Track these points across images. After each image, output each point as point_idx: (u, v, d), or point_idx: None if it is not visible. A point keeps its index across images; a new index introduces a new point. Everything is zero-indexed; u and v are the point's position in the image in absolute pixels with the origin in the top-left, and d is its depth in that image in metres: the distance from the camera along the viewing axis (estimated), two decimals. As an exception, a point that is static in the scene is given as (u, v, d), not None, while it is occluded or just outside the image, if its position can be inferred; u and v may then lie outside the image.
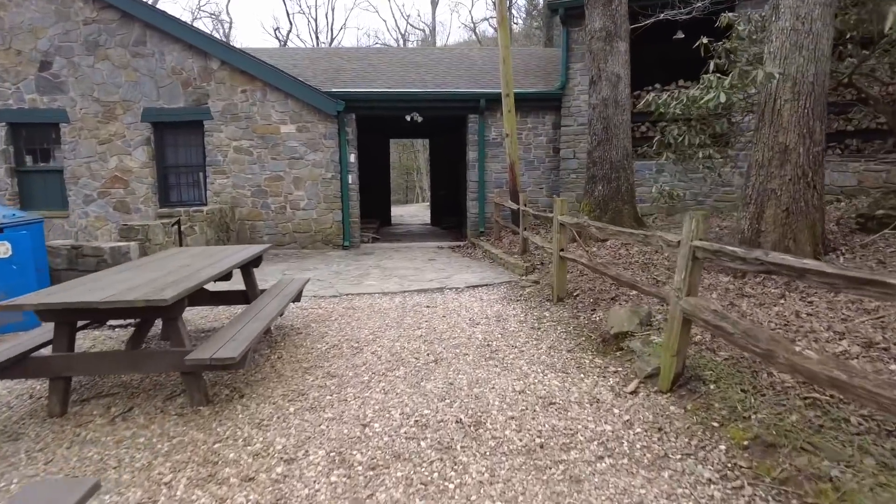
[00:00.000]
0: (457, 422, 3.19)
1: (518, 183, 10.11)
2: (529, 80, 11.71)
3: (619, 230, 4.31)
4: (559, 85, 10.92)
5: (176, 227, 8.01)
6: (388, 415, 3.31)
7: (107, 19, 10.07)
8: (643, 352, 3.97)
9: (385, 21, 77.71)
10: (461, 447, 2.90)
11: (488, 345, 4.63)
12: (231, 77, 10.42)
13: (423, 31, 42.48)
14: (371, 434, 3.07)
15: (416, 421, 3.21)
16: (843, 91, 7.90)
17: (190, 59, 10.33)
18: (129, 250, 6.64)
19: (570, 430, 3.06)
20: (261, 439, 3.04)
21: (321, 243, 10.94)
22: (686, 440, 2.85)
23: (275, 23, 69.40)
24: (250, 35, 54.70)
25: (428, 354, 4.42)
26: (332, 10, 61.04)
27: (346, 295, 6.71)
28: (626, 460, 2.72)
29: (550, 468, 2.69)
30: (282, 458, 2.84)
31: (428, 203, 26.13)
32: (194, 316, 5.91)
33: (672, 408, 3.22)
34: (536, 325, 5.18)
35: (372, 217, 14.54)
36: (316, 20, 51.07)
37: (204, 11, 45.18)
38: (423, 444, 2.94)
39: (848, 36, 6.13)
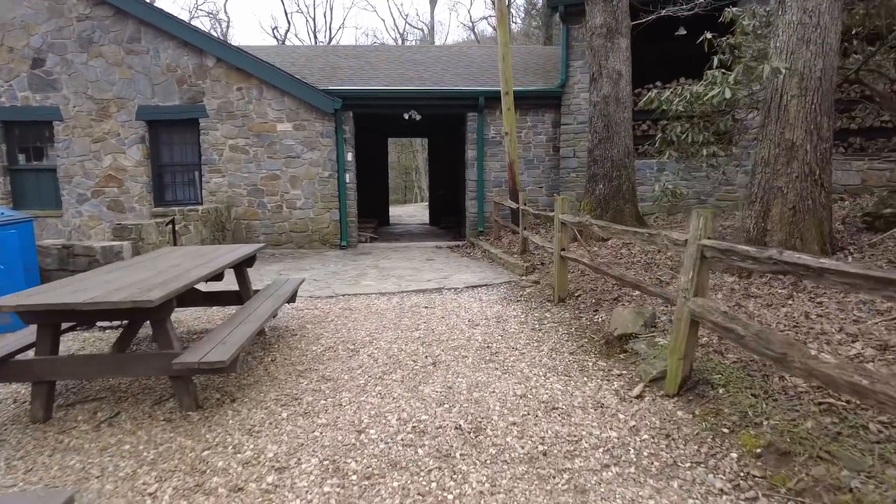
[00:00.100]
0: (456, 428, 3.06)
1: (517, 182, 9.99)
2: (529, 78, 11.59)
3: (623, 229, 4.19)
4: (559, 83, 10.80)
5: (170, 226, 7.87)
6: (384, 420, 3.18)
7: (100, 16, 9.93)
8: (648, 354, 3.85)
9: (383, 20, 77.45)
10: (460, 455, 2.77)
11: (488, 347, 4.51)
12: (227, 74, 10.29)
13: (422, 30, 42.36)
14: (367, 441, 2.94)
15: (414, 427, 3.09)
16: (847, 88, 7.80)
17: (185, 57, 10.20)
18: (121, 250, 6.51)
19: (574, 436, 2.94)
20: (251, 446, 2.92)
21: (318, 243, 10.81)
22: (695, 447, 2.73)
23: (273, 22, 69.27)
24: (248, 34, 54.50)
25: (426, 357, 4.29)
26: (331, 9, 60.77)
27: (343, 295, 6.58)
28: (633, 469, 2.60)
29: (554, 477, 2.56)
30: (273, 466, 2.71)
31: (426, 203, 26.01)
32: (187, 317, 5.78)
33: (679, 413, 3.10)
34: (537, 326, 5.06)
35: (370, 217, 14.41)
36: (314, 19, 50.95)
37: (202, 10, 45.04)
38: (420, 451, 2.82)
39: (853, 32, 6.02)
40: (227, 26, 40.33)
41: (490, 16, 38.90)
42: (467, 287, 6.91)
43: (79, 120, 10.20)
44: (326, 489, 2.51)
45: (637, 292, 5.16)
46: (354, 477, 2.59)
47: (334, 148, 10.60)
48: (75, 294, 3.02)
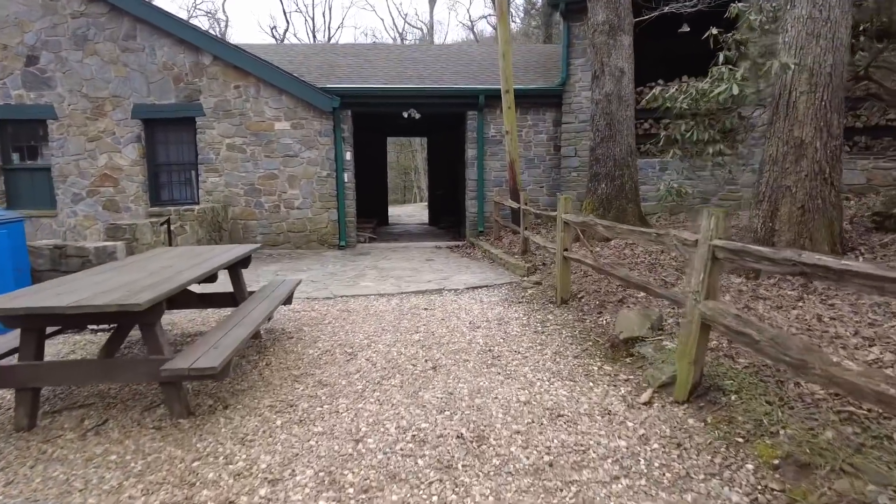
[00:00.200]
0: (458, 437, 2.93)
1: (518, 181, 9.86)
2: (529, 77, 11.47)
3: (629, 229, 4.06)
4: (560, 81, 10.68)
5: (165, 226, 7.74)
6: (382, 429, 3.05)
7: (95, 13, 9.79)
8: (656, 358, 3.72)
9: (382, 20, 77.31)
10: (463, 466, 2.64)
11: (490, 350, 4.38)
12: (224, 72, 10.15)
13: (421, 29, 42.22)
14: (364, 451, 2.81)
15: (414, 436, 2.96)
16: (852, 87, 7.68)
17: (181, 54, 10.06)
18: (115, 250, 6.37)
19: (581, 445, 2.81)
20: (244, 457, 2.79)
21: (316, 243, 10.68)
22: (708, 458, 2.61)
23: (272, 21, 69.03)
24: (247, 34, 54.32)
25: (426, 361, 4.16)
26: (330, 8, 60.70)
27: (341, 297, 6.45)
28: (643, 481, 2.48)
29: (561, 490, 2.44)
30: (266, 478, 2.58)
31: (426, 203, 25.87)
32: (181, 319, 5.65)
33: (690, 420, 2.98)
34: (540, 328, 4.93)
35: (369, 216, 14.28)
36: (313, 19, 50.77)
37: (200, 10, 44.80)
38: (420, 462, 2.69)
39: (861, 28, 5.90)
40: (226, 26, 40.21)
41: (489, 15, 38.79)
42: (468, 288, 6.78)
43: (73, 118, 10.06)
44: (321, 503, 2.38)
45: (642, 294, 5.04)
46: (351, 490, 2.47)
47: (333, 147, 10.47)
48: (59, 297, 2.88)
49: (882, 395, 1.99)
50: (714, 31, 5.51)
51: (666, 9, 7.70)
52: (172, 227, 8.10)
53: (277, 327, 5.20)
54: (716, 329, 3.04)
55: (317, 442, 2.92)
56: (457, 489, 2.45)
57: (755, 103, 5.97)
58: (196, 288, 5.11)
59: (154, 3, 10.10)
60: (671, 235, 3.50)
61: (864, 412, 2.56)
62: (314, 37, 38.30)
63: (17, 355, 3.24)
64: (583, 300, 5.51)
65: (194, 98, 10.18)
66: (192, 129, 10.36)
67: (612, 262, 6.31)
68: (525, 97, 10.57)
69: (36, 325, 2.98)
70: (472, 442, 2.88)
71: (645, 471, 2.55)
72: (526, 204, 8.31)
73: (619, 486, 2.45)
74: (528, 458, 2.71)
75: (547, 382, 3.67)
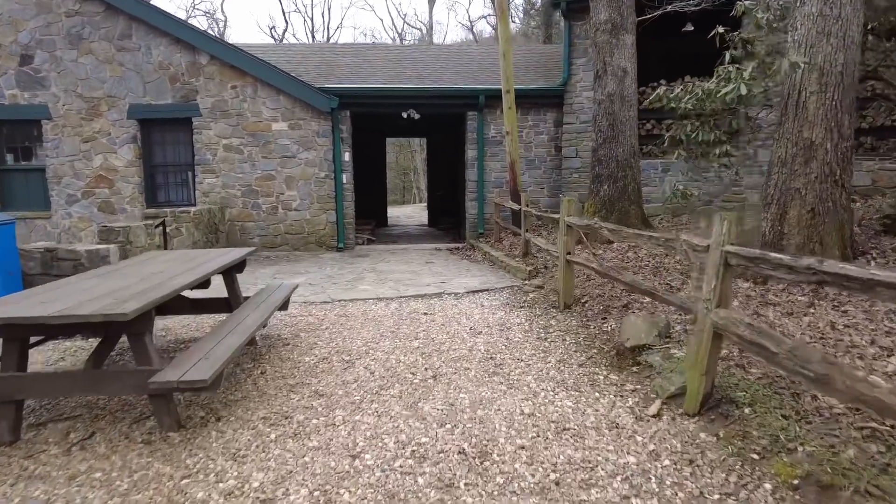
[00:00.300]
0: (459, 452, 2.80)
1: (519, 182, 9.74)
2: (530, 77, 11.35)
3: (635, 233, 3.94)
4: (561, 81, 10.55)
5: (160, 228, 7.61)
6: (381, 443, 2.92)
7: (90, 11, 9.66)
8: (664, 368, 3.60)
9: (381, 20, 77.09)
10: (465, 485, 2.52)
11: (491, 358, 4.25)
12: (220, 72, 10.02)
13: (420, 30, 42.10)
14: (361, 468, 2.68)
15: (413, 451, 2.83)
16: (857, 87, 7.56)
17: (178, 54, 9.93)
18: (108, 253, 6.24)
19: (589, 462, 2.68)
20: (235, 474, 2.66)
21: (314, 245, 10.54)
22: (723, 476, 2.48)
23: (270, 22, 68.88)
24: (246, 34, 54.17)
25: (426, 369, 4.03)
26: (329, 9, 60.54)
27: (339, 301, 6.32)
28: (655, 501, 2.35)
29: (569, 511, 2.31)
30: (258, 498, 2.46)
31: (425, 204, 25.74)
32: (175, 324, 5.52)
33: (702, 435, 2.85)
34: (543, 334, 4.80)
35: (367, 218, 14.15)
36: (312, 19, 50.66)
37: (199, 10, 44.63)
38: (420, 480, 2.56)
39: (869, 27, 5.78)
40: (225, 26, 40.05)
41: (489, 15, 38.67)
42: (468, 292, 6.65)
43: (68, 119, 9.92)
44: (316, 526, 2.25)
45: (647, 298, 4.91)
46: (347, 511, 2.34)
47: (331, 148, 10.34)
48: (43, 305, 2.75)
49: (913, 414, 1.87)
50: (720, 29, 5.39)
51: (669, 7, 7.58)
52: (168, 230, 7.97)
53: (273, 333, 5.07)
54: (728, 339, 2.92)
55: (312, 458, 2.79)
56: (459, 511, 2.33)
57: (762, 104, 5.85)
58: (190, 292, 4.98)
59: (151, 2, 9.94)
60: (681, 240, 3.37)
61: (888, 428, 2.44)
62: (313, 37, 38.17)
63: None
64: (586, 305, 5.39)
65: (191, 98, 10.05)
66: (188, 130, 10.23)
67: (615, 265, 6.19)
68: (526, 97, 10.45)
69: (18, 335, 2.85)
70: (474, 458, 2.75)
71: (657, 490, 2.43)
72: (527, 205, 8.18)
73: (630, 506, 2.33)
74: (533, 475, 2.58)
75: (551, 393, 3.54)
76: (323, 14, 50.56)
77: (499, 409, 3.31)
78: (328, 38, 38.48)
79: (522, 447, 2.85)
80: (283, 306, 4.77)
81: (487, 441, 2.92)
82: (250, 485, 2.56)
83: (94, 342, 4.93)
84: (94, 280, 3.56)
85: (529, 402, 3.41)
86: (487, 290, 6.72)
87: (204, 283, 4.06)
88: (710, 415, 3.01)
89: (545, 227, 9.60)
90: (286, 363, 4.24)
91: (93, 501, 2.46)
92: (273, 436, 3.05)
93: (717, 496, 2.35)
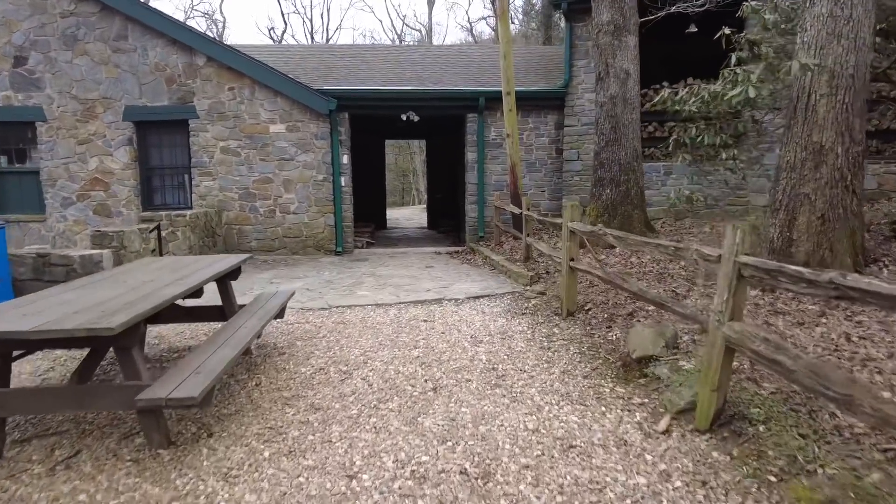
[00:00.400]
0: (461, 472, 2.68)
1: (519, 186, 9.62)
2: (530, 79, 11.23)
3: (643, 241, 3.81)
4: (562, 83, 10.44)
5: (155, 233, 7.48)
6: (379, 462, 2.80)
7: (85, 12, 9.54)
8: (672, 381, 3.47)
9: (381, 21, 77.02)
10: (467, 509, 2.39)
11: (493, 368, 4.13)
12: (218, 74, 9.90)
13: (420, 31, 41.98)
14: (359, 489, 2.56)
15: (413, 471, 2.70)
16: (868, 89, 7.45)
17: (174, 55, 9.81)
18: (101, 259, 6.12)
19: (597, 483, 2.56)
20: (226, 496, 2.53)
21: (312, 249, 10.42)
22: (739, 500, 2.35)
23: (269, 23, 68.64)
24: (245, 35, 53.97)
25: (426, 381, 3.91)
26: (328, 10, 60.43)
27: (337, 307, 6.19)
28: (669, 528, 2.23)
29: (578, 539, 2.18)
30: (249, 523, 2.33)
31: (424, 205, 25.63)
32: (169, 332, 5.39)
33: (714, 454, 2.73)
34: (546, 343, 4.68)
35: (366, 221, 14.02)
36: (311, 20, 50.54)
37: (197, 11, 44.52)
38: (421, 504, 2.44)
39: (878, 28, 5.66)
40: (223, 27, 39.89)
41: (489, 16, 38.57)
42: (469, 298, 6.53)
43: (63, 121, 9.79)
44: (310, 556, 2.13)
45: (652, 307, 4.78)
46: (344, 539, 2.21)
47: (329, 150, 10.22)
48: (24, 319, 2.63)
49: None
50: (727, 30, 5.27)
51: (673, 8, 7.46)
52: (163, 234, 7.85)
53: (269, 341, 4.94)
54: (742, 354, 2.79)
55: (307, 478, 2.67)
56: (461, 538, 2.20)
57: (770, 107, 5.74)
58: (184, 300, 4.86)
59: (148, 3, 9.82)
60: (691, 250, 3.25)
61: (914, 451, 2.32)
62: (312, 38, 38.06)
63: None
64: (590, 312, 5.26)
65: (187, 100, 9.93)
66: (185, 132, 10.10)
67: (618, 271, 6.07)
68: (526, 99, 10.33)
69: (-1, 349, 2.72)
70: (476, 479, 2.62)
71: (670, 515, 2.30)
72: (528, 209, 8.07)
73: (643, 534, 2.20)
74: (538, 498, 2.46)
75: (556, 406, 3.41)
76: (322, 15, 50.49)
77: (502, 425, 3.18)
78: (327, 40, 38.37)
79: (527, 466, 2.72)
80: (280, 314, 4.64)
81: (490, 460, 2.79)
82: (242, 509, 2.43)
83: (84, 352, 4.80)
84: (82, 290, 3.44)
85: (533, 416, 3.28)
86: (488, 295, 6.60)
87: (196, 293, 3.93)
88: (723, 432, 2.89)
89: (546, 231, 9.49)
90: (282, 374, 4.11)
91: (75, 528, 2.33)
92: (267, 453, 2.92)
93: (733, 522, 2.23)
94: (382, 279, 7.90)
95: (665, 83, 9.18)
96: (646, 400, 3.43)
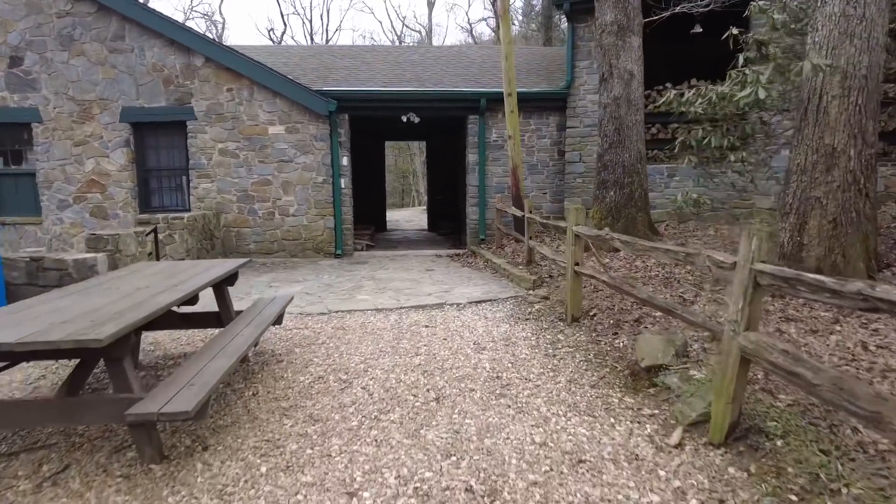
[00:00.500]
0: (466, 490, 2.56)
1: (521, 188, 9.51)
2: (532, 80, 11.13)
3: (652, 246, 3.70)
4: (564, 84, 10.34)
5: (152, 236, 7.36)
6: (380, 478, 2.68)
7: (82, 12, 9.42)
8: (683, 391, 3.36)
9: (381, 22, 76.99)
10: (474, 531, 2.27)
11: (498, 377, 4.01)
12: (216, 75, 9.78)
13: (420, 32, 41.90)
14: (359, 509, 2.44)
15: (416, 488, 2.58)
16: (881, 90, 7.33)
17: (172, 56, 9.69)
18: (95, 263, 6.00)
19: (609, 501, 2.44)
20: (220, 516, 2.41)
21: (312, 251, 10.30)
22: (759, 521, 2.24)
23: (269, 24, 68.56)
24: (244, 36, 53.88)
25: (428, 390, 3.79)
26: (328, 11, 60.29)
27: (336, 312, 6.08)
28: (687, 551, 2.11)
29: (591, 564, 2.07)
30: (244, 546, 2.21)
31: (424, 207, 25.54)
32: (165, 338, 5.27)
33: (731, 469, 2.61)
34: (551, 350, 4.56)
35: (366, 223, 13.90)
36: (311, 21, 50.42)
37: (196, 12, 44.44)
38: (425, 525, 2.32)
39: (891, 27, 5.56)
40: (223, 28, 39.80)
41: (489, 17, 38.48)
42: (470, 302, 6.41)
43: (59, 122, 9.68)
44: (308, 583, 2.01)
45: (659, 312, 4.66)
46: (343, 564, 2.10)
47: (329, 152, 10.11)
48: (8, 329, 2.51)
49: None
50: (735, 30, 5.17)
51: (678, 8, 7.35)
52: (160, 237, 7.73)
53: (267, 348, 4.82)
54: (759, 365, 2.68)
55: (305, 496, 2.55)
56: (468, 564, 2.08)
57: (779, 108, 5.63)
58: (179, 306, 4.74)
59: (148, 3, 9.71)
60: (703, 256, 3.13)
61: (944, 470, 2.21)
62: (312, 39, 37.97)
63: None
64: (595, 318, 5.15)
65: (185, 101, 9.81)
66: (183, 134, 9.99)
67: (623, 275, 5.96)
68: (528, 101, 10.23)
69: (-17, 361, 2.60)
70: (483, 497, 2.51)
71: (687, 537, 2.19)
72: (531, 212, 7.96)
73: (659, 558, 2.09)
74: (548, 518, 2.34)
75: (563, 418, 3.30)
76: (322, 16, 50.36)
77: (508, 438, 3.06)
78: (327, 41, 38.29)
79: (535, 483, 2.61)
80: (278, 321, 4.53)
81: (497, 476, 2.67)
82: (236, 530, 2.31)
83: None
84: (74, 297, 3.32)
85: (540, 429, 3.17)
86: (491, 300, 6.48)
87: (191, 300, 3.81)
88: (738, 446, 2.77)
89: (548, 234, 9.38)
90: (280, 383, 3.99)
91: (60, 551, 2.21)
92: (264, 468, 2.80)
93: (754, 546, 2.12)
94: (383, 283, 7.79)
95: (668, 84, 9.08)
96: (656, 411, 3.32)
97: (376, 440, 3.08)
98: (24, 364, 4.49)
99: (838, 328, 3.79)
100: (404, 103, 10.45)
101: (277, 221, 10.20)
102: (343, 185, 10.30)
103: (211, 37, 24.30)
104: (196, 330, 5.42)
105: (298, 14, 50.15)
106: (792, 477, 2.43)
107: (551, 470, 2.72)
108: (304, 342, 4.99)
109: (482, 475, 2.68)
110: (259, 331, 3.77)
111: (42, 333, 2.43)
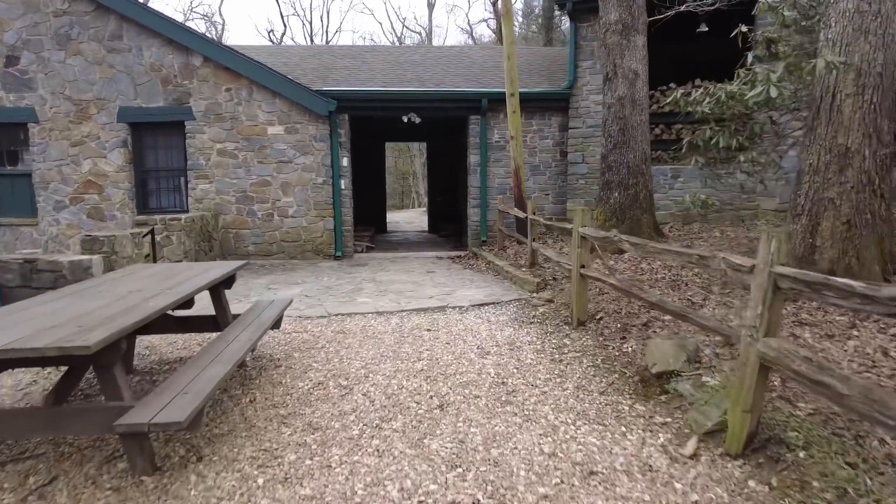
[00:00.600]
0: (474, 504, 2.44)
1: (523, 189, 9.40)
2: (534, 80, 11.02)
3: (664, 248, 3.58)
4: (567, 84, 10.23)
5: (149, 237, 7.24)
6: (383, 492, 2.55)
7: (79, 11, 9.31)
8: (696, 398, 3.24)
9: (381, 24, 76.90)
10: (483, 550, 2.15)
11: (503, 383, 3.89)
12: (214, 74, 9.67)
13: (420, 34, 41.82)
14: (361, 525, 2.32)
15: (421, 502, 2.46)
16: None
17: (170, 55, 9.58)
18: (90, 265, 5.87)
19: (624, 517, 2.32)
20: (214, 532, 2.29)
21: (311, 253, 10.17)
22: (785, 539, 2.12)
23: (269, 25, 68.47)
24: (244, 37, 53.79)
25: (431, 397, 3.66)
26: (328, 12, 60.20)
27: (336, 315, 5.95)
28: (709, 572, 1.99)
29: (607, 586, 1.94)
30: (239, 565, 2.09)
31: (424, 209, 25.44)
32: (161, 342, 5.15)
33: (751, 483, 2.49)
34: (557, 355, 4.44)
35: (366, 224, 13.78)
36: (311, 23, 50.24)
37: (196, 13, 44.34)
38: (430, 543, 2.19)
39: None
40: (223, 29, 39.71)
41: (489, 19, 38.42)
42: (473, 305, 6.28)
43: (56, 122, 9.55)
44: None
45: (668, 316, 4.54)
46: (345, 586, 1.97)
47: (328, 152, 9.99)
48: (-6, 336, 2.39)
49: None
50: (744, 28, 5.06)
51: (682, 7, 7.25)
52: (158, 238, 7.61)
53: (265, 352, 4.70)
54: (779, 373, 2.56)
55: (304, 510, 2.42)
56: (477, 586, 1.96)
57: (789, 107, 5.52)
58: (174, 310, 4.62)
59: (148, 3, 9.60)
60: (718, 258, 3.01)
61: (981, 486, 2.08)
62: (311, 40, 37.88)
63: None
64: (602, 322, 5.03)
65: (184, 101, 9.70)
66: (181, 134, 9.87)
67: (629, 278, 5.84)
68: (530, 101, 10.12)
69: (-34, 368, 2.48)
70: (491, 512, 2.38)
71: (708, 557, 2.06)
72: (534, 213, 7.84)
73: (680, 580, 1.96)
74: (561, 535, 2.22)
75: (573, 427, 3.17)
76: (322, 18, 50.13)
77: (515, 448, 2.94)
78: (327, 42, 38.20)
79: (546, 497, 2.48)
80: (276, 325, 4.41)
81: (505, 489, 2.55)
82: (231, 548, 2.19)
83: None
84: (64, 300, 3.20)
85: (549, 438, 3.04)
86: (493, 303, 6.36)
87: (186, 304, 3.69)
88: (757, 457, 2.65)
89: (551, 235, 9.26)
90: (278, 389, 3.87)
91: (43, 571, 2.08)
92: (261, 481, 2.68)
93: (781, 566, 1.99)
94: (383, 285, 7.66)
95: (672, 85, 8.98)
96: (668, 419, 3.20)
97: (378, 450, 2.96)
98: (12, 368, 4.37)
99: (855, 333, 3.67)
100: (405, 103, 10.34)
101: (276, 223, 10.08)
102: (343, 186, 10.18)
103: (209, 36, 24.20)
104: (193, 333, 5.30)
105: (298, 15, 50.14)
106: (817, 491, 2.31)
107: (562, 482, 2.60)
108: (304, 346, 4.87)
109: (490, 488, 2.56)
110: (257, 335, 3.65)
111: (27, 340, 2.30)
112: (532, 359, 4.39)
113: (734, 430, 2.74)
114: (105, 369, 2.56)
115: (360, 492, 2.56)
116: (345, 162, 10.18)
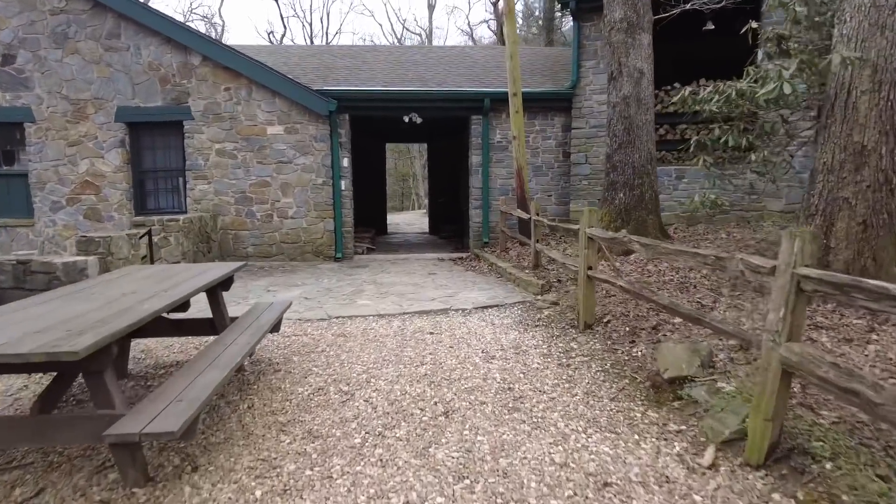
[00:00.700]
0: (483, 519, 2.31)
1: (526, 190, 9.28)
2: (536, 80, 10.91)
3: (677, 249, 3.45)
4: (570, 84, 10.12)
5: (146, 238, 7.11)
6: (387, 505, 2.43)
7: (76, 9, 9.19)
8: (711, 405, 3.11)
9: (381, 25, 76.84)
10: (494, 569, 2.02)
11: (509, 389, 3.76)
12: (213, 74, 9.55)
13: (420, 35, 41.73)
14: (364, 541, 2.19)
15: (427, 517, 2.33)
16: None
17: (168, 54, 9.46)
18: (86, 266, 5.75)
19: (643, 533, 2.19)
20: (209, 549, 2.16)
21: (311, 255, 10.05)
22: (815, 557, 1.99)
23: (269, 26, 68.36)
24: (244, 38, 53.73)
25: (436, 403, 3.54)
26: (328, 14, 60.17)
27: (337, 318, 5.82)
28: None
29: None
30: (235, 586, 1.96)
31: (425, 210, 25.33)
32: (157, 345, 5.02)
33: (775, 496, 2.36)
34: (564, 360, 4.31)
35: (367, 226, 13.65)
36: (311, 24, 50.15)
37: (196, 14, 44.25)
38: (438, 561, 2.07)
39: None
40: (223, 30, 39.60)
41: (489, 20, 38.36)
42: (476, 308, 6.16)
43: (53, 121, 9.43)
44: None
45: (679, 319, 4.42)
46: None
47: (329, 153, 9.87)
48: (-24, 341, 2.26)
49: None
50: (754, 24, 4.95)
51: (688, 5, 7.14)
52: (155, 239, 7.48)
53: (264, 356, 4.57)
54: (804, 380, 2.44)
55: (304, 525, 2.30)
56: None
57: (802, 105, 5.40)
58: (169, 312, 4.49)
59: (147, 3, 9.49)
60: (736, 260, 2.89)
61: None
62: (311, 42, 37.79)
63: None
64: (609, 325, 4.90)
65: (182, 100, 9.58)
66: (179, 134, 9.75)
67: (636, 279, 5.71)
68: (533, 101, 10.01)
69: (-52, 375, 2.35)
70: (502, 527, 2.25)
71: (735, 577, 1.94)
72: (538, 214, 7.72)
73: None
74: (576, 553, 2.09)
75: (584, 435, 3.05)
76: (322, 19, 50.14)
77: (525, 458, 2.81)
78: (327, 43, 38.11)
79: (559, 511, 2.35)
80: (275, 328, 4.29)
81: (516, 502, 2.42)
82: (226, 566, 2.06)
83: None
84: (55, 303, 3.07)
85: (560, 447, 2.91)
86: (497, 305, 6.23)
87: (182, 306, 3.56)
88: (781, 468, 2.52)
89: (554, 237, 9.14)
90: (277, 394, 3.74)
91: (26, 593, 1.95)
92: (259, 493, 2.55)
93: (813, 588, 1.86)
94: (384, 287, 7.54)
95: (677, 84, 8.87)
96: (683, 427, 3.07)
97: (381, 460, 2.83)
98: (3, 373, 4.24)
99: (875, 337, 3.55)
100: (406, 103, 10.22)
101: (276, 224, 9.96)
102: (343, 187, 10.06)
103: (207, 34, 24.09)
104: (189, 337, 5.17)
105: (298, 17, 50.10)
106: (846, 506, 2.18)
107: (575, 494, 2.47)
108: (304, 350, 4.74)
109: (499, 501, 2.43)
110: (255, 339, 3.52)
111: (11, 345, 2.18)
112: (539, 363, 4.26)
113: (755, 440, 2.62)
114: (95, 375, 2.44)
115: (363, 505, 2.43)
116: (345, 162, 10.07)
